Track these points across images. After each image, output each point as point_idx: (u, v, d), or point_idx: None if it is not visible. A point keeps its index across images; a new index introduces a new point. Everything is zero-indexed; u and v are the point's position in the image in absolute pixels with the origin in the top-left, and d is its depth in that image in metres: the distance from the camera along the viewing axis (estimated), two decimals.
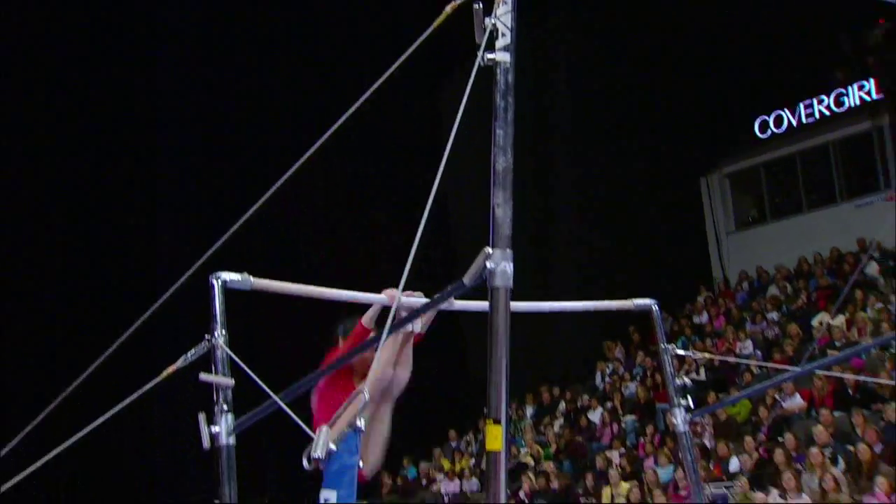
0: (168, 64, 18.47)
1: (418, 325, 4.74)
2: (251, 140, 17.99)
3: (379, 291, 4.60)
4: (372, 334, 4.48)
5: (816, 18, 17.31)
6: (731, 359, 13.77)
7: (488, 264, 3.09)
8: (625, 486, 12.91)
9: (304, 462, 2.64)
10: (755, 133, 19.65)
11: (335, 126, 3.72)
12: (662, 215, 20.04)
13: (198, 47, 18.47)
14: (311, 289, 4.74)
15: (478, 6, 3.18)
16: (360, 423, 2.71)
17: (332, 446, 2.61)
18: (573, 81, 20.04)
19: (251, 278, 4.11)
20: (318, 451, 2.60)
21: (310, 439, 2.71)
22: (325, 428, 2.65)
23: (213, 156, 18.40)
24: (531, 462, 15.11)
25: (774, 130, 19.51)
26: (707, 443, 13.33)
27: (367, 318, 4.64)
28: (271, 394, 3.22)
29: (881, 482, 10.02)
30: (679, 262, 20.09)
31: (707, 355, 13.33)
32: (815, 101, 18.97)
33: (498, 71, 3.19)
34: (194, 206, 17.88)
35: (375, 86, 3.67)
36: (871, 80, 18.24)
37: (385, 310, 4.47)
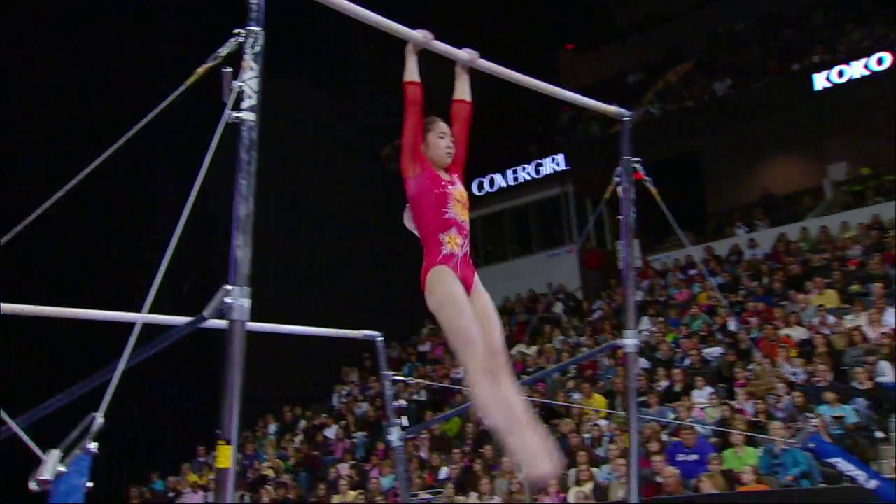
0: None
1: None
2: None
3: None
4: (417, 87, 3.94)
5: (522, 103, 18.34)
6: (443, 384, 14.24)
7: (227, 300, 3.05)
8: (352, 494, 12.90)
9: (32, 484, 2.43)
10: (473, 191, 20.53)
11: (89, 168, 3.48)
12: (398, 259, 20.45)
13: None
14: (61, 310, 4.41)
15: (226, 70, 3.13)
16: (92, 445, 2.52)
17: (62, 468, 2.43)
18: (317, 141, 19.98)
19: (2, 305, 3.78)
20: (46, 474, 2.41)
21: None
22: (54, 451, 2.46)
23: None
24: (272, 474, 14.76)
25: (489, 190, 20.46)
26: (423, 455, 13.58)
27: (408, 74, 3.93)
28: (6, 417, 2.95)
29: (553, 484, 10.60)
30: (409, 299, 20.52)
31: (422, 381, 13.66)
32: (519, 169, 20.09)
33: (243, 128, 3.16)
34: None
35: (131, 133, 3.48)
36: (561, 155, 19.62)
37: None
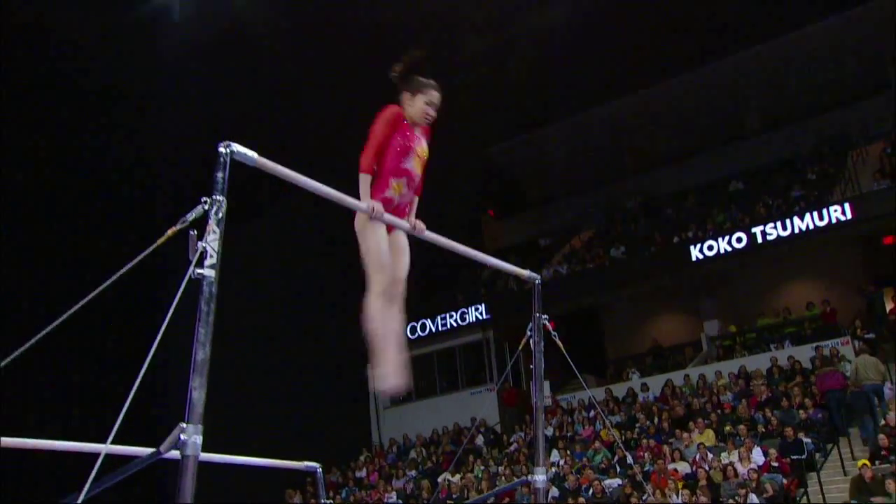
0: None
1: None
2: None
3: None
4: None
5: (451, 259, 18.52)
6: None
7: (182, 436, 2.90)
8: None
9: None
10: (407, 334, 20.23)
11: (67, 314, 3.34)
12: (339, 394, 20.02)
13: None
14: (30, 442, 4.10)
15: (193, 233, 3.10)
16: None
17: None
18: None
19: None
20: None
21: None
22: None
23: None
24: None
25: (420, 334, 20.33)
26: None
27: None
28: None
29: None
30: (349, 429, 19.96)
31: None
32: (447, 316, 20.09)
33: (204, 283, 3.10)
34: None
35: (107, 284, 3.37)
36: (483, 305, 19.75)
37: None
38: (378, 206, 3.78)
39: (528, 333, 4.96)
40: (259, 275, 19.52)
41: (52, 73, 16.00)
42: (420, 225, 4.00)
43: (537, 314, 4.90)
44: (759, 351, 16.87)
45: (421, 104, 3.93)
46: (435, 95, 3.96)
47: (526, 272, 4.96)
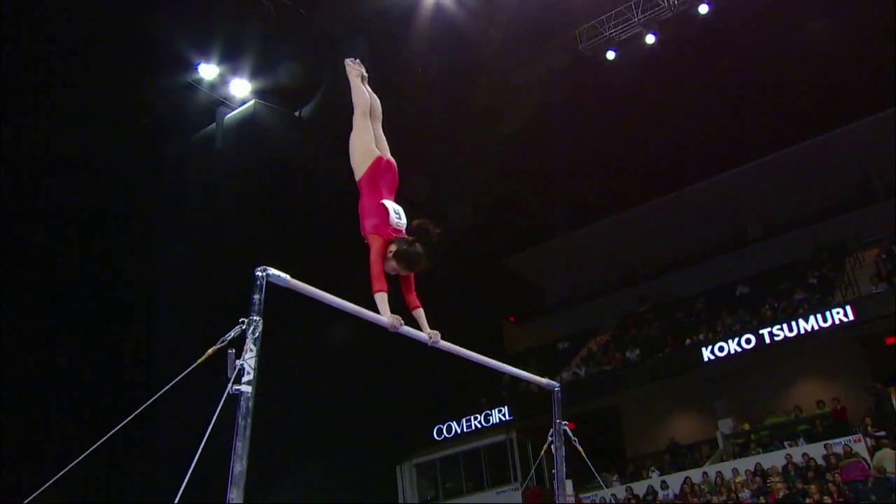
0: None
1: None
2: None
3: None
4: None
5: (474, 365, 18.16)
6: None
7: None
8: None
9: None
10: (434, 436, 19.86)
11: (116, 428, 3.31)
12: (369, 493, 19.34)
13: None
14: None
15: (231, 351, 3.08)
16: None
17: None
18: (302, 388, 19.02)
19: None
20: None
21: None
22: None
23: None
24: None
25: (446, 435, 19.82)
26: None
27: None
28: None
29: None
30: None
31: None
32: (472, 418, 19.62)
33: (242, 399, 3.05)
34: None
35: (151, 401, 3.34)
36: (506, 407, 19.30)
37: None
38: (397, 321, 3.82)
39: (550, 439, 4.82)
40: (287, 384, 19.10)
41: (91, 200, 16.14)
42: (436, 336, 4.03)
43: (557, 420, 4.77)
44: (774, 448, 16.16)
45: (394, 266, 4.09)
46: (404, 271, 4.16)
47: (545, 380, 4.87)
